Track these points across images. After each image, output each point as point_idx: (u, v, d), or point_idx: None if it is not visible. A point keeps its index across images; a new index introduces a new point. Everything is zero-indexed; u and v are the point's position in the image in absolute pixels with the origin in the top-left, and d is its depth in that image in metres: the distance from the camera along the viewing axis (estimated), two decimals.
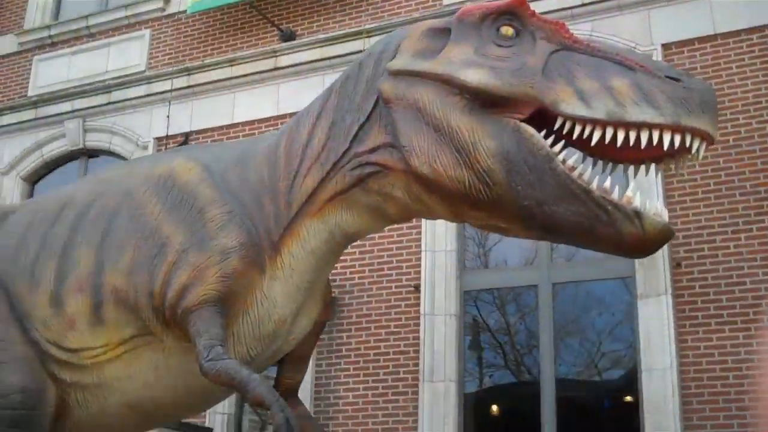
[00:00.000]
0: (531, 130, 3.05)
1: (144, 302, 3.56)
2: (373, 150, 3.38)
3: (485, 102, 3.12)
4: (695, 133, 2.91)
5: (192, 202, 3.60)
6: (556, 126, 3.04)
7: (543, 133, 3.06)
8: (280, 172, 3.62)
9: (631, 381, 8.16)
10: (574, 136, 3.01)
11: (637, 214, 2.91)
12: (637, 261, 8.18)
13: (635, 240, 2.94)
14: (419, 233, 9.08)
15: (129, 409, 3.80)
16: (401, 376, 8.83)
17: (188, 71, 11.04)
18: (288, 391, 4.06)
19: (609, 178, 3.02)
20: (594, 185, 2.96)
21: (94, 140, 11.58)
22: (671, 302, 7.94)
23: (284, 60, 10.45)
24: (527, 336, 8.77)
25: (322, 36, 10.39)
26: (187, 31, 11.55)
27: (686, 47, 8.72)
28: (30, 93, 12.27)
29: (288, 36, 10.68)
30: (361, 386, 8.96)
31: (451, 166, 3.14)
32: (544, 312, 8.56)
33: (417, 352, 8.79)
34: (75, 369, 3.74)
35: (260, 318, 3.59)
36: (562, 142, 3.05)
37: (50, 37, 12.47)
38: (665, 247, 7.83)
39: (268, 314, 3.59)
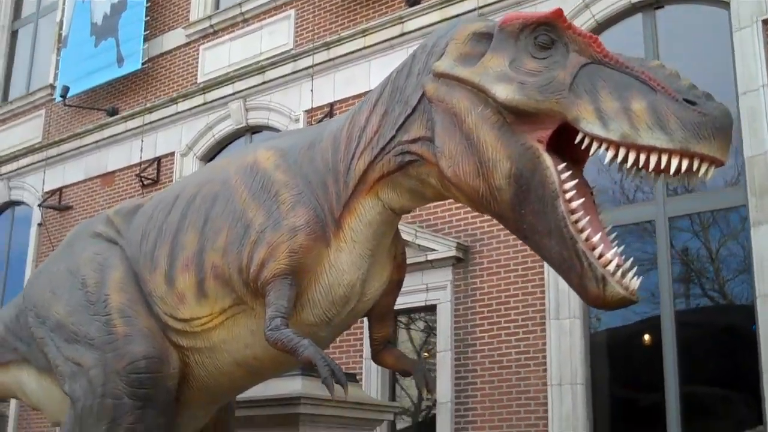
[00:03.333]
0: (548, 161, 3.28)
1: (235, 277, 4.15)
2: (414, 140, 3.75)
3: (514, 116, 3.35)
4: (704, 158, 3.03)
5: (269, 187, 4.16)
6: (577, 140, 3.25)
7: (563, 165, 3.28)
8: (340, 155, 4.09)
9: (749, 308, 8.27)
10: (591, 153, 3.24)
11: (603, 279, 3.13)
12: (748, 188, 8.24)
13: (595, 299, 3.21)
14: None
15: (238, 366, 4.42)
16: (530, 315, 9.35)
17: (327, 46, 11.86)
18: (381, 342, 4.63)
19: (600, 233, 3.23)
20: (584, 235, 3.19)
21: (255, 118, 12.70)
22: None
23: (410, 25, 11.03)
24: (647, 270, 9.00)
25: None
26: (326, 7, 12.34)
27: None
28: (199, 80, 13.56)
29: (413, 1, 11.22)
30: (495, 327, 9.57)
31: (472, 175, 3.45)
32: (661, 246, 8.79)
33: (543, 291, 9.28)
34: (189, 336, 4.41)
35: (331, 285, 4.08)
36: (575, 181, 3.26)
37: (212, 26, 13.68)
38: None
39: (337, 281, 4.07)
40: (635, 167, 3.17)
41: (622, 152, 3.12)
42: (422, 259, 10.09)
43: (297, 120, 11.96)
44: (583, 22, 9.74)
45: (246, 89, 12.75)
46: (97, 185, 14.47)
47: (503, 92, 3.35)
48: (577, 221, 3.20)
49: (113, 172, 14.28)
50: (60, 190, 14.96)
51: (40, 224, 15.02)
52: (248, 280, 4.06)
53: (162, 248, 4.49)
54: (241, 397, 5.23)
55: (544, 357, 9.13)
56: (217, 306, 4.27)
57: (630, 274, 3.18)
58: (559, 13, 3.37)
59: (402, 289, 4.59)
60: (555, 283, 9.13)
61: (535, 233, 3.32)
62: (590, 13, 9.74)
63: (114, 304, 4.48)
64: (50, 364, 4.66)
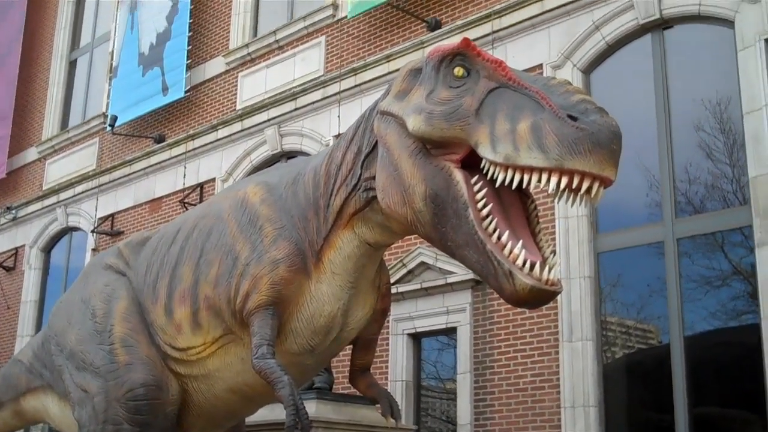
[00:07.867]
0: (459, 176, 3.38)
1: (225, 308, 4.38)
2: (373, 177, 3.92)
3: (430, 144, 3.48)
4: (584, 175, 2.99)
5: (255, 221, 4.38)
6: (482, 164, 3.32)
7: (475, 177, 3.35)
8: (320, 191, 4.28)
9: (755, 329, 8.23)
10: (488, 176, 3.29)
11: (510, 274, 3.12)
12: (753, 209, 8.21)
13: (511, 295, 3.21)
14: (552, 202, 9.57)
15: (232, 393, 4.66)
16: (544, 337, 9.45)
17: (354, 72, 12.13)
18: (361, 369, 4.82)
19: (507, 231, 3.22)
20: (493, 237, 3.23)
21: (289, 143, 13.04)
22: None
23: (430, 50, 11.18)
24: (656, 292, 9.01)
25: (460, 22, 11.04)
26: (353, 33, 12.62)
27: None
28: (237, 107, 13.98)
29: (434, 26, 11.40)
30: (511, 349, 9.69)
31: (399, 203, 3.62)
32: (670, 268, 8.80)
33: (556, 314, 9.36)
34: (186, 364, 4.66)
35: (312, 314, 4.25)
36: (485, 190, 3.32)
37: (249, 54, 14.08)
38: None
39: (318, 311, 4.25)
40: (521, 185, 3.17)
41: (509, 174, 3.14)
42: (442, 282, 10.29)
43: (327, 145, 12.24)
44: (594, 44, 9.81)
45: (280, 116, 13.11)
46: (146, 211, 15.02)
47: (411, 123, 3.49)
48: (486, 227, 3.24)
49: (160, 198, 14.80)
50: (112, 216, 15.58)
51: (94, 249, 15.65)
52: (235, 310, 4.28)
53: (162, 280, 4.74)
54: (251, 419, 5.40)
55: (558, 379, 9.22)
56: (209, 336, 4.50)
57: (538, 265, 3.13)
58: (466, 42, 3.48)
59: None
60: (568, 306, 9.22)
61: (458, 247, 3.36)
62: (600, 35, 9.79)
63: (117, 334, 4.75)
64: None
